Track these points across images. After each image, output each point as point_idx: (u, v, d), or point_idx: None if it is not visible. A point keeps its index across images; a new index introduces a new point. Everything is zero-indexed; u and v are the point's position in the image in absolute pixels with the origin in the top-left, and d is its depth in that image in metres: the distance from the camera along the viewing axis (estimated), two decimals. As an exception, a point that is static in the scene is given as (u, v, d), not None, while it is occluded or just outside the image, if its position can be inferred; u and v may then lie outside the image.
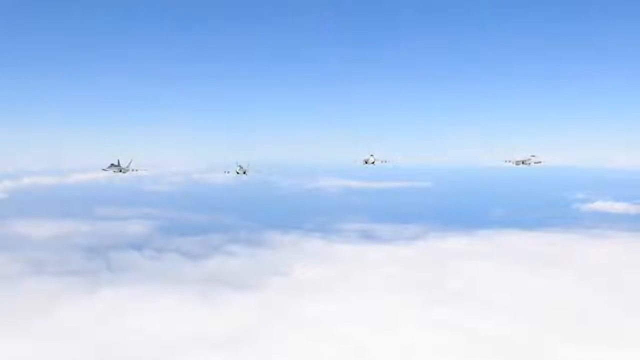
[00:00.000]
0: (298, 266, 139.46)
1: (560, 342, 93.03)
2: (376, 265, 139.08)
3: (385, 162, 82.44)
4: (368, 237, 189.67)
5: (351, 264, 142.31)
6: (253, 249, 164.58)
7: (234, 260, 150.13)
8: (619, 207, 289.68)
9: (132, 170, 75.48)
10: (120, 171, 74.36)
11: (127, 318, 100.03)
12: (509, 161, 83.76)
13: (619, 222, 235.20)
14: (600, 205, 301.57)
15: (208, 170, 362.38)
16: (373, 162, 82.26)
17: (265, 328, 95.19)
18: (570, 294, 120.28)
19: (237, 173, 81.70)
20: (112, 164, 74.51)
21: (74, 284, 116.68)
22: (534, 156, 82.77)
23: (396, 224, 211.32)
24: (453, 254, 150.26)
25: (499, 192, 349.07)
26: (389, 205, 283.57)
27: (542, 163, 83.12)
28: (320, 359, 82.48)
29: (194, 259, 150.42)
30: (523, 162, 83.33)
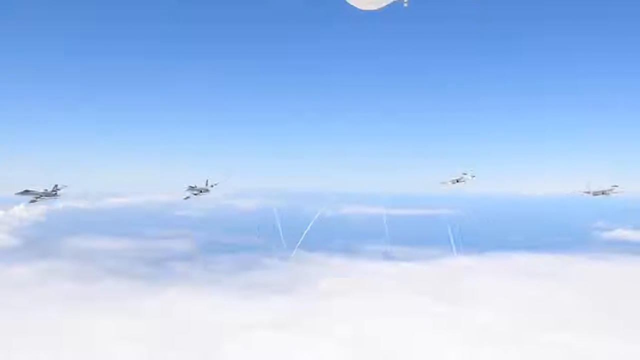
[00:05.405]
0: (324, 277, 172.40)
1: (540, 332, 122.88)
2: (390, 277, 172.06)
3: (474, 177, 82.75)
4: (387, 257, 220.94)
5: (369, 276, 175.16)
6: (283, 265, 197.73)
7: (268, 273, 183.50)
8: (639, 235, 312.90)
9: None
10: None
11: (188, 311, 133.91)
12: (588, 192, 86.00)
13: (635, 247, 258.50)
14: (620, 233, 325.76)
15: (236, 196, 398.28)
16: (464, 181, 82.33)
17: (298, 318, 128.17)
18: (560, 301, 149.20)
19: (195, 194, 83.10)
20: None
21: (142, 285, 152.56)
22: (616, 186, 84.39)
23: (415, 246, 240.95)
24: (460, 269, 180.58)
25: (520, 219, 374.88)
26: (411, 230, 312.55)
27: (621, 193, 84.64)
28: (339, 338, 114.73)
29: (234, 271, 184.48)
30: (603, 193, 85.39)
